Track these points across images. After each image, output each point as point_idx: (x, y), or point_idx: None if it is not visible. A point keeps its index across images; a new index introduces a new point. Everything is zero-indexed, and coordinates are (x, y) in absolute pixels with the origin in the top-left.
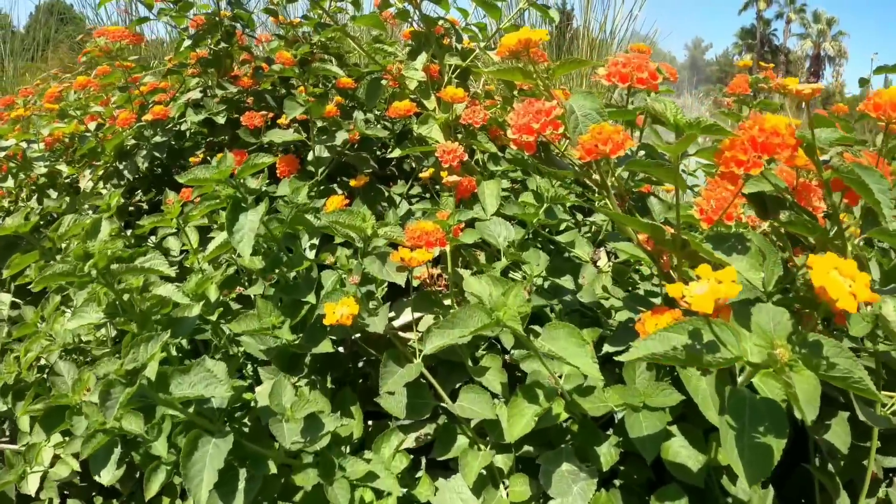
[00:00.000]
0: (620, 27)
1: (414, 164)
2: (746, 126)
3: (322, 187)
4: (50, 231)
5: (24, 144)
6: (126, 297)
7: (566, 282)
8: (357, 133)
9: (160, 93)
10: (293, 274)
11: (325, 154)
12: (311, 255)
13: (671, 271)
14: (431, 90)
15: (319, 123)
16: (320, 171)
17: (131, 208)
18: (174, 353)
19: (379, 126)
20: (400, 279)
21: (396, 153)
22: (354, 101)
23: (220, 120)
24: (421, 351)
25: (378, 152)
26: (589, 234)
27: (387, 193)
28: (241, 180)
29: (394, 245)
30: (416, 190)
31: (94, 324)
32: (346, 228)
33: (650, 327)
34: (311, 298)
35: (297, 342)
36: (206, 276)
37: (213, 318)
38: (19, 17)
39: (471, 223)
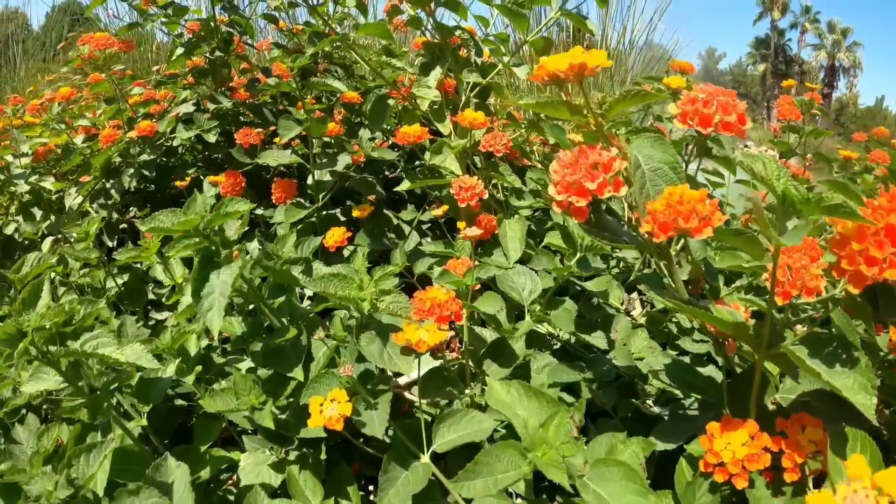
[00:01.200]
0: (639, 37)
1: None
2: (879, 205)
3: (324, 212)
4: (11, 272)
5: (10, 158)
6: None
7: (597, 340)
8: (362, 155)
9: (154, 104)
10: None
11: (327, 178)
12: (304, 304)
13: (734, 355)
14: (447, 111)
15: (323, 140)
16: (321, 196)
17: (124, 225)
18: (138, 430)
19: (386, 145)
20: (406, 366)
21: (405, 187)
22: (361, 116)
23: (211, 138)
24: (430, 446)
25: (387, 172)
26: (616, 271)
27: (395, 221)
28: (215, 227)
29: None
30: (429, 215)
31: (52, 389)
32: (338, 300)
33: (719, 446)
34: (299, 374)
35: (283, 420)
36: (183, 330)
37: (191, 379)
38: (38, 16)
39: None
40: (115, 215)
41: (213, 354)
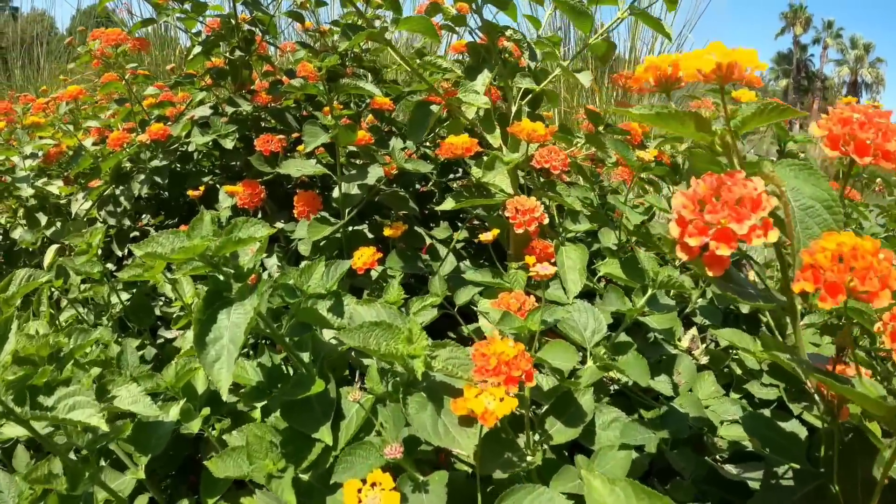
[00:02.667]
0: (669, 49)
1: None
2: None
3: (350, 228)
4: None
5: (15, 160)
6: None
7: (661, 385)
8: (394, 166)
9: (170, 107)
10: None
11: (355, 191)
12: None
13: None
14: (495, 121)
15: (348, 149)
16: (348, 211)
17: (136, 233)
18: (133, 483)
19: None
20: (467, 441)
21: (449, 206)
22: (392, 124)
23: (228, 144)
24: None
25: (417, 185)
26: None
27: (427, 240)
28: (226, 255)
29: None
30: (463, 234)
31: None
32: (382, 357)
33: None
34: (327, 436)
35: (305, 482)
36: (189, 367)
37: (196, 426)
38: (60, 20)
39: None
40: (126, 223)
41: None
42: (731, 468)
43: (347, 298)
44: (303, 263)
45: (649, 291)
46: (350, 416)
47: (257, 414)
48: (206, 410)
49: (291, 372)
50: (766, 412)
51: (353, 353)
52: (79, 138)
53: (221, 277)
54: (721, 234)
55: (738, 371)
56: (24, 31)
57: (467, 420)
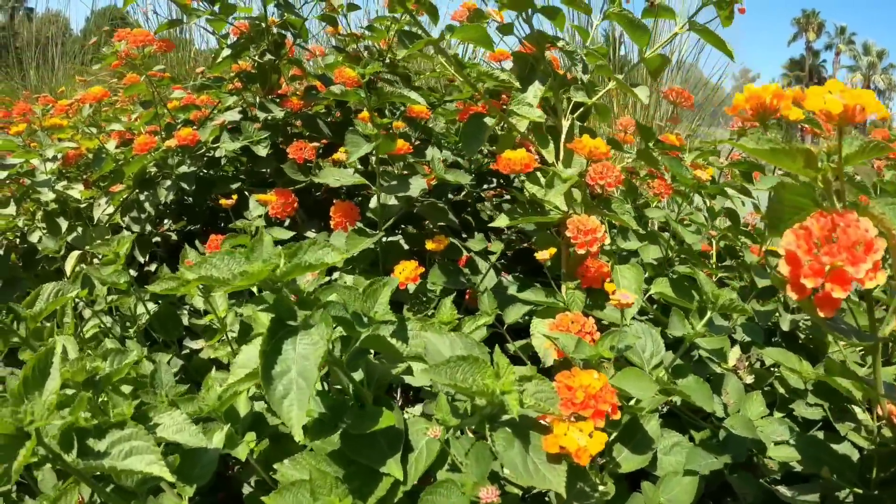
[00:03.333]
0: (687, 56)
1: (490, 213)
2: None
3: (385, 239)
4: (24, 304)
5: (35, 163)
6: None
7: (696, 402)
8: (434, 177)
9: (194, 110)
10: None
11: (393, 202)
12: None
13: None
14: (549, 135)
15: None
16: (384, 222)
17: (157, 239)
18: None
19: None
20: (557, 479)
21: (503, 223)
22: (427, 133)
23: (262, 151)
24: None
25: (450, 195)
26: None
27: (464, 252)
28: (286, 282)
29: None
30: (499, 246)
31: None
32: (471, 394)
33: None
34: (397, 470)
35: None
36: (233, 391)
37: (244, 452)
38: (75, 21)
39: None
40: (147, 227)
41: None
42: (784, 490)
43: (411, 323)
44: (348, 279)
45: (708, 314)
46: (419, 448)
47: (299, 435)
48: (252, 436)
49: (346, 398)
50: (820, 434)
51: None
52: (101, 141)
53: (285, 307)
54: (837, 276)
55: (781, 390)
56: (38, 31)
57: (556, 457)
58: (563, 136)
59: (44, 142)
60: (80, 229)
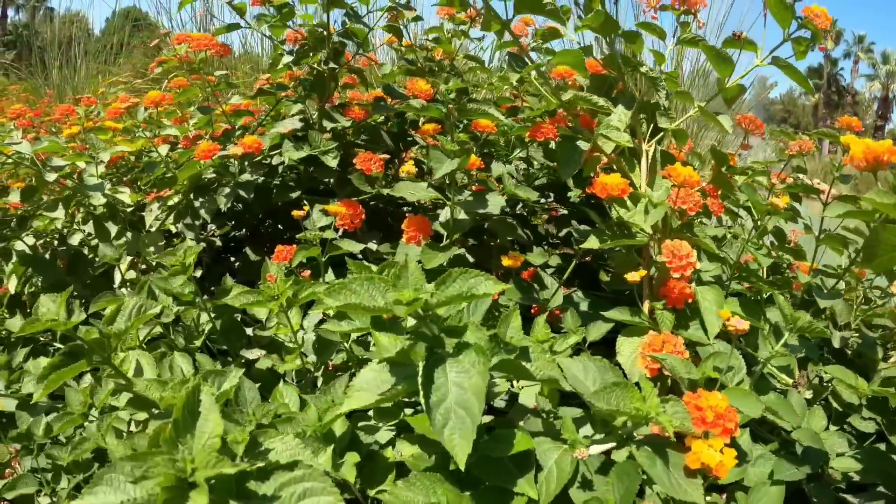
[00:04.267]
0: (711, 71)
1: (554, 227)
2: None
3: (452, 254)
4: (103, 322)
5: (81, 165)
6: None
7: (784, 418)
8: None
9: (246, 115)
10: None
11: (463, 217)
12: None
13: None
14: (636, 161)
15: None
16: (452, 236)
17: (203, 245)
18: None
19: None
20: (696, 493)
21: (594, 245)
22: (488, 146)
23: (332, 161)
24: None
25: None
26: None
27: (529, 267)
28: (430, 312)
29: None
30: (556, 260)
31: None
32: (619, 415)
33: None
34: (530, 489)
35: None
36: (332, 401)
37: (351, 474)
38: (96, 21)
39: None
40: (200, 234)
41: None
42: (852, 499)
43: (533, 346)
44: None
45: (786, 335)
46: (548, 467)
47: (390, 453)
48: (355, 457)
49: None
50: (882, 447)
51: None
52: (153, 144)
53: (430, 337)
54: None
55: (835, 404)
56: (59, 31)
57: (693, 472)
58: (646, 160)
59: (96, 144)
60: (129, 235)
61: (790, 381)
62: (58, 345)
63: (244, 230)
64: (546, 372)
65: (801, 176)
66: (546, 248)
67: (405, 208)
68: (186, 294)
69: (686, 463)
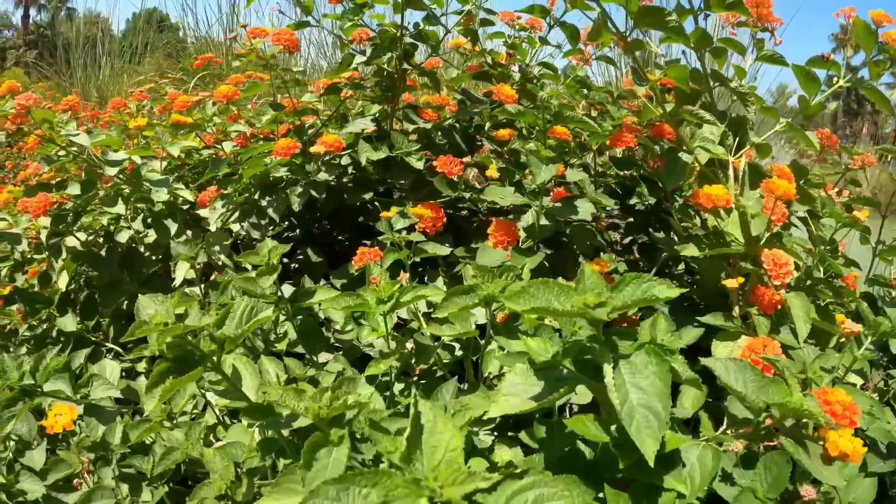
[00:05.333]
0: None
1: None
2: None
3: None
4: (212, 325)
5: (136, 160)
6: None
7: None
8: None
9: (308, 113)
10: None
11: (546, 222)
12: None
13: None
14: (722, 173)
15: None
16: (534, 241)
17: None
18: None
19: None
20: (836, 477)
21: (692, 252)
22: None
23: (418, 163)
24: None
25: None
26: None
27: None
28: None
29: None
30: (623, 266)
31: None
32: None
33: None
34: (679, 484)
35: None
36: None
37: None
38: (118, 21)
39: None
40: (268, 233)
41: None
42: None
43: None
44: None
45: (867, 340)
46: (691, 463)
47: (651, 461)
48: (482, 462)
49: None
50: None
51: None
52: (221, 140)
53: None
54: None
55: None
56: (79, 31)
57: (829, 459)
58: (735, 172)
59: (163, 139)
60: (188, 233)
61: (860, 382)
62: (110, 345)
63: (297, 231)
64: (689, 373)
65: (857, 188)
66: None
67: (464, 212)
68: (269, 296)
69: (825, 451)
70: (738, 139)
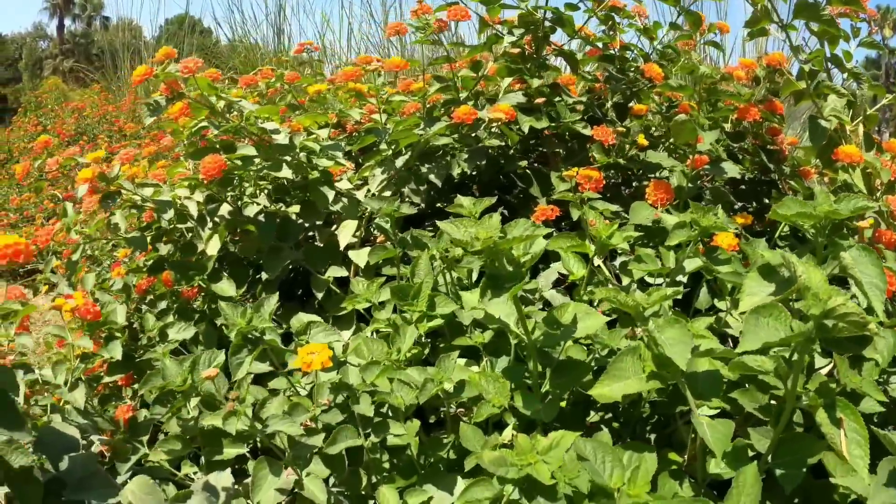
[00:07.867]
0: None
1: None
2: None
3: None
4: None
5: (269, 126)
6: None
7: None
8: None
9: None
10: None
11: (689, 185)
12: None
13: None
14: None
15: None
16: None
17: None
18: None
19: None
20: None
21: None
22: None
23: (584, 129)
24: None
25: None
26: None
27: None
28: None
29: None
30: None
31: None
32: None
33: None
34: None
35: None
36: None
37: None
38: (152, 29)
39: None
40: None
41: None
42: None
43: None
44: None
45: None
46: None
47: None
48: None
49: None
50: None
51: None
52: (385, 111)
53: None
54: None
55: None
56: (119, 37)
57: None
58: (856, 138)
59: (333, 106)
60: (344, 200)
61: None
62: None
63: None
64: None
65: None
66: None
67: None
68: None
69: None
70: (852, 111)
